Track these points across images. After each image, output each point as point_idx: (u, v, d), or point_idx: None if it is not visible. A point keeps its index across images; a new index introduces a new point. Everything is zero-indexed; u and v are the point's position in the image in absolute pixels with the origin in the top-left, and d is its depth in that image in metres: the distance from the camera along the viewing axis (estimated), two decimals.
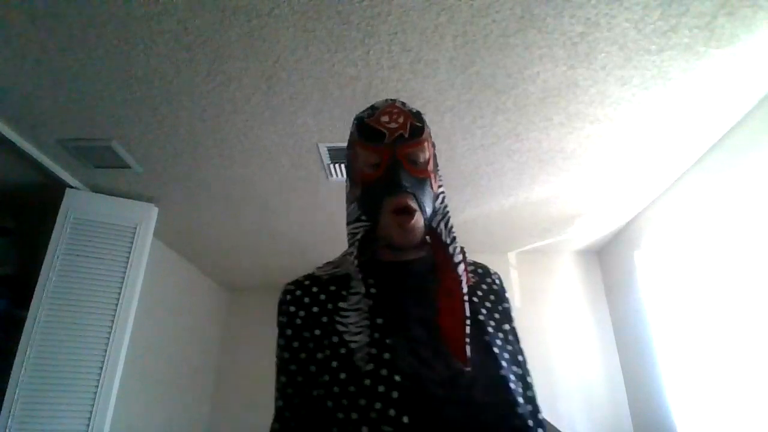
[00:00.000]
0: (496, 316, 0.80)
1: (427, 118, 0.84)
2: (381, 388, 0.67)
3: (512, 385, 0.70)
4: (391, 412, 0.65)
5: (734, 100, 1.89)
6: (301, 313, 0.78)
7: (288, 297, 0.80)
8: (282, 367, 0.78)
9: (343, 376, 0.70)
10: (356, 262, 0.77)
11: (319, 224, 2.97)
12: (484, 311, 0.79)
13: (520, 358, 0.77)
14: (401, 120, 0.77)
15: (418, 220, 0.77)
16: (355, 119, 0.83)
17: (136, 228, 2.53)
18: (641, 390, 2.92)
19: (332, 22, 1.52)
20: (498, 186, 2.53)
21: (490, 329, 0.76)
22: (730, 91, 1.84)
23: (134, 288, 2.44)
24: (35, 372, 2.13)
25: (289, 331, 0.78)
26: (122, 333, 2.35)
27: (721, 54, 1.64)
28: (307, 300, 0.79)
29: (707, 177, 2.26)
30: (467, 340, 0.70)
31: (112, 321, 2.33)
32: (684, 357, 2.47)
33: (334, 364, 0.71)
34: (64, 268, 2.30)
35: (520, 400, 0.69)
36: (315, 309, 0.78)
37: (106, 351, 2.28)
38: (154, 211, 2.63)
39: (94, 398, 2.20)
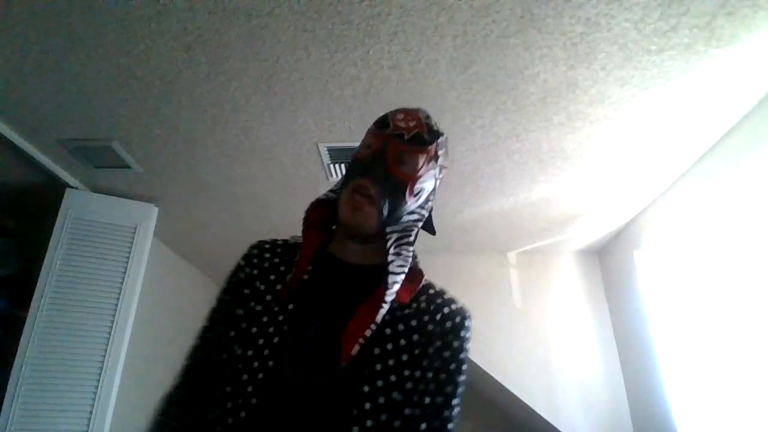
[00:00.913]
0: (404, 357, 0.72)
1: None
2: (255, 364, 0.72)
3: (355, 429, 0.67)
4: (249, 388, 0.70)
5: (734, 100, 1.89)
6: (247, 270, 0.83)
7: (247, 252, 0.86)
8: (211, 313, 0.85)
9: (239, 336, 0.75)
10: (308, 218, 0.83)
11: None
12: (390, 346, 0.73)
13: (408, 411, 0.70)
14: (411, 124, 0.80)
15: (371, 211, 0.76)
16: None
17: (136, 228, 2.53)
18: (641, 390, 2.92)
19: (332, 22, 1.52)
20: (498, 186, 2.53)
21: (378, 366, 0.71)
22: (730, 91, 1.83)
23: (134, 288, 2.44)
24: (35, 372, 2.13)
25: (234, 279, 0.84)
26: (122, 333, 2.35)
27: (721, 54, 1.64)
28: (256, 261, 0.84)
29: (707, 177, 2.25)
30: (361, 341, 0.70)
31: (112, 321, 2.34)
32: (684, 357, 2.47)
33: (244, 324, 0.76)
34: (64, 268, 2.30)
35: None
36: (255, 271, 0.82)
37: (106, 351, 2.28)
38: (154, 211, 2.63)
39: (94, 398, 2.20)
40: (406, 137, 0.78)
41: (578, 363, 3.15)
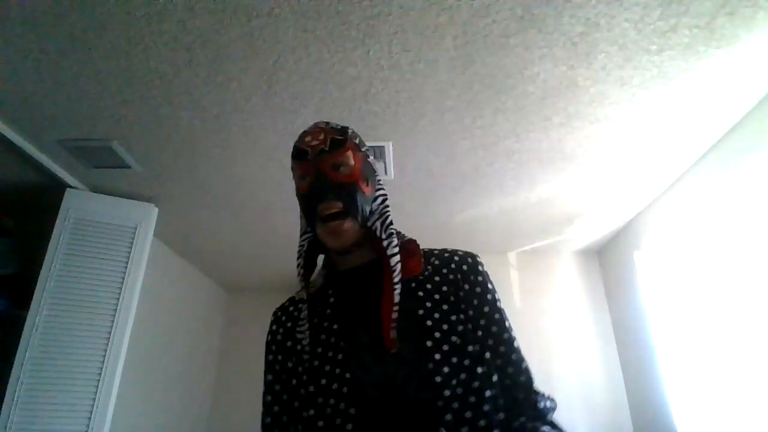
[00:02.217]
0: (445, 307, 0.81)
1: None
2: (335, 386, 0.76)
3: (438, 378, 0.73)
4: (342, 405, 0.74)
5: (734, 100, 1.89)
6: (281, 330, 0.90)
7: (272, 318, 0.93)
8: (267, 387, 0.88)
9: (305, 377, 0.80)
10: (302, 272, 0.87)
11: None
12: (428, 304, 0.81)
13: (470, 348, 0.77)
14: (321, 137, 0.85)
15: (348, 223, 0.82)
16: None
17: (136, 228, 2.52)
18: (641, 390, 2.92)
19: (332, 22, 1.52)
20: (498, 186, 2.53)
21: (429, 323, 0.78)
22: (730, 91, 1.84)
23: (134, 288, 2.44)
24: (35, 372, 2.13)
25: (274, 348, 0.89)
26: (122, 333, 2.34)
27: (721, 54, 1.64)
28: (284, 318, 0.91)
29: (707, 177, 2.26)
30: (393, 325, 0.76)
31: (112, 321, 2.33)
32: (684, 357, 2.47)
33: (300, 369, 0.82)
34: (64, 268, 2.30)
35: (447, 392, 0.72)
36: (290, 324, 0.89)
37: (106, 351, 2.28)
38: (154, 211, 2.63)
39: (94, 398, 2.20)
40: (326, 149, 0.84)
41: (578, 363, 3.15)
